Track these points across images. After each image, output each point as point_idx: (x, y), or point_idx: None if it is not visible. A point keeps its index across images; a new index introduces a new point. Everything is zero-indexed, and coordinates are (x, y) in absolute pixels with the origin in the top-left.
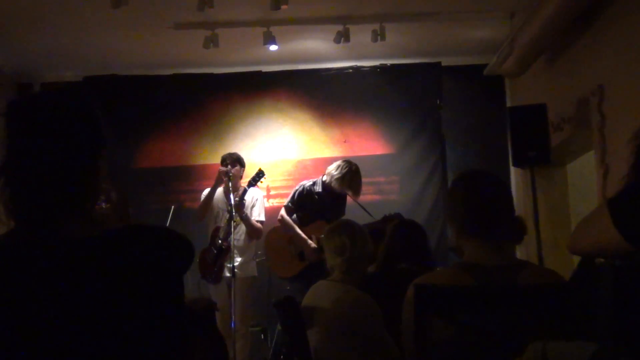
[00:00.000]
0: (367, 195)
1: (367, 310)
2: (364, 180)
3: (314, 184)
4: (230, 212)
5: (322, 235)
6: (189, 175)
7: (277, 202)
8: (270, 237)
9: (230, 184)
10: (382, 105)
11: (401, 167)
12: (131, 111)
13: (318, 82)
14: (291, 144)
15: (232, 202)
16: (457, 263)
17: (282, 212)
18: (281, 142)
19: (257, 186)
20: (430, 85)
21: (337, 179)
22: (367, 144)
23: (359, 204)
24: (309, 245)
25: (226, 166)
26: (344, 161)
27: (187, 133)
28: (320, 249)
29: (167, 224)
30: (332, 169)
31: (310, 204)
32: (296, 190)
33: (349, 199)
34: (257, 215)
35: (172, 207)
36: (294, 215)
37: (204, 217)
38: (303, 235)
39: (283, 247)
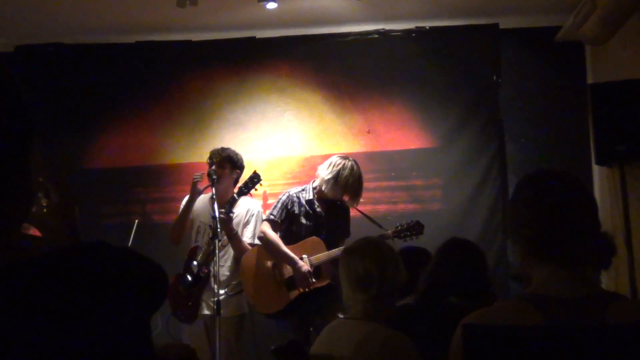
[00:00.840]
0: (400, 205)
1: (401, 354)
2: (393, 184)
3: (303, 190)
4: (214, 228)
5: (321, 256)
6: (159, 179)
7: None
8: (247, 260)
9: (213, 190)
10: (419, 83)
11: (445, 167)
12: (80, 92)
13: (332, 51)
14: (296, 135)
15: (217, 214)
16: (522, 295)
17: (264, 227)
18: (283, 133)
19: (251, 195)
20: (485, 55)
21: (328, 181)
22: (399, 135)
23: (365, 215)
24: (299, 268)
25: (210, 166)
26: (337, 157)
27: (155, 122)
28: (317, 272)
29: (130, 244)
30: (322, 169)
31: (299, 217)
32: (280, 199)
33: (353, 209)
34: (250, 236)
35: (136, 221)
36: (279, 233)
37: (178, 240)
38: (291, 254)
39: (265, 273)
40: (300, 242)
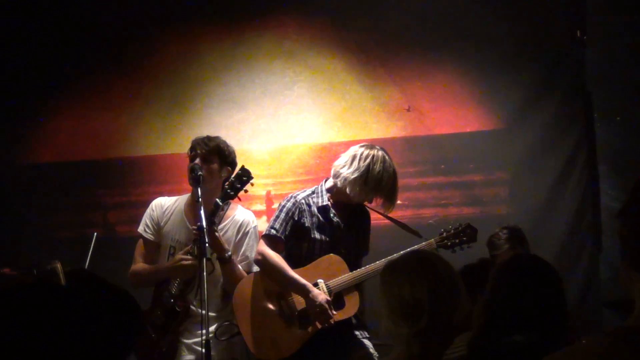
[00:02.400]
0: (451, 208)
1: None
2: (442, 180)
3: (314, 193)
4: (200, 244)
5: (339, 279)
6: (125, 177)
7: None
8: (242, 293)
9: (199, 191)
10: (476, 43)
11: (513, 156)
12: (17, 60)
13: (356, 0)
14: (310, 116)
15: (204, 223)
16: (620, 329)
17: (262, 246)
18: (292, 114)
19: (240, 198)
20: (565, 4)
21: (355, 182)
22: (449, 113)
23: (393, 220)
24: (314, 298)
25: (192, 159)
26: (361, 147)
27: (120, 100)
28: (338, 302)
29: (86, 264)
30: (342, 165)
31: (310, 230)
32: (284, 207)
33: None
34: (245, 261)
35: (95, 234)
36: (283, 252)
37: (143, 286)
38: (302, 280)
39: (268, 308)
40: (314, 263)
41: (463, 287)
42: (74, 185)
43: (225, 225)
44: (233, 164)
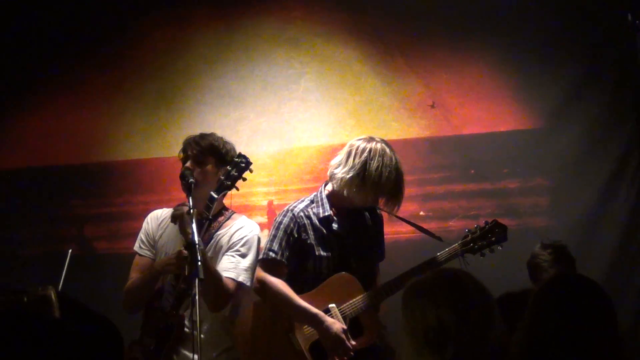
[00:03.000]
0: (483, 220)
1: None
2: (473, 187)
3: (313, 203)
4: (192, 259)
5: (359, 301)
6: (104, 185)
7: None
8: (244, 325)
9: (190, 201)
10: (511, 30)
11: (555, 159)
12: None
13: None
14: (319, 113)
15: (196, 238)
16: None
17: (260, 273)
18: (298, 111)
19: (238, 188)
20: None
21: (351, 182)
22: (480, 110)
23: (409, 222)
24: (328, 328)
25: (183, 163)
26: (357, 140)
27: (99, 96)
28: (356, 328)
29: (60, 286)
30: (337, 164)
31: (314, 247)
32: (280, 223)
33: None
34: (246, 276)
35: (69, 250)
36: (285, 277)
37: (138, 307)
38: (311, 309)
39: (273, 343)
40: (322, 286)
41: (498, 313)
42: (44, 195)
43: (221, 232)
44: (228, 161)
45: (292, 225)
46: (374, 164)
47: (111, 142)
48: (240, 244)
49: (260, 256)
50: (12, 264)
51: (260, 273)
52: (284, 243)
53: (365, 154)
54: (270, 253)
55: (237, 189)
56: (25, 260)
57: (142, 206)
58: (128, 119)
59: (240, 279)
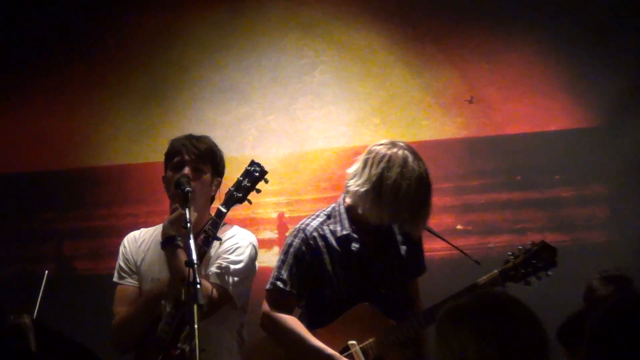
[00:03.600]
0: (531, 234)
1: None
2: (518, 196)
3: (329, 218)
4: (191, 283)
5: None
6: (86, 195)
7: None
8: None
9: (187, 213)
10: (563, 14)
11: (615, 164)
12: None
13: None
14: (337, 110)
15: (193, 254)
16: None
17: (267, 307)
18: (312, 109)
19: (250, 202)
20: None
21: (365, 196)
22: (526, 105)
23: (442, 239)
24: None
25: (178, 169)
26: (378, 145)
27: (80, 92)
28: None
29: (35, 314)
30: (352, 174)
31: (330, 273)
32: (289, 245)
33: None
34: (220, 274)
35: (46, 272)
36: (294, 309)
37: (131, 346)
38: (326, 350)
39: None
40: (340, 320)
41: (549, 343)
42: (15, 207)
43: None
44: (222, 174)
45: (303, 248)
46: (392, 176)
47: (93, 144)
48: (230, 251)
49: (267, 286)
50: None
51: (266, 307)
52: (294, 270)
53: (382, 164)
54: (278, 283)
55: (250, 202)
56: None
57: (130, 219)
58: (112, 118)
59: (229, 288)
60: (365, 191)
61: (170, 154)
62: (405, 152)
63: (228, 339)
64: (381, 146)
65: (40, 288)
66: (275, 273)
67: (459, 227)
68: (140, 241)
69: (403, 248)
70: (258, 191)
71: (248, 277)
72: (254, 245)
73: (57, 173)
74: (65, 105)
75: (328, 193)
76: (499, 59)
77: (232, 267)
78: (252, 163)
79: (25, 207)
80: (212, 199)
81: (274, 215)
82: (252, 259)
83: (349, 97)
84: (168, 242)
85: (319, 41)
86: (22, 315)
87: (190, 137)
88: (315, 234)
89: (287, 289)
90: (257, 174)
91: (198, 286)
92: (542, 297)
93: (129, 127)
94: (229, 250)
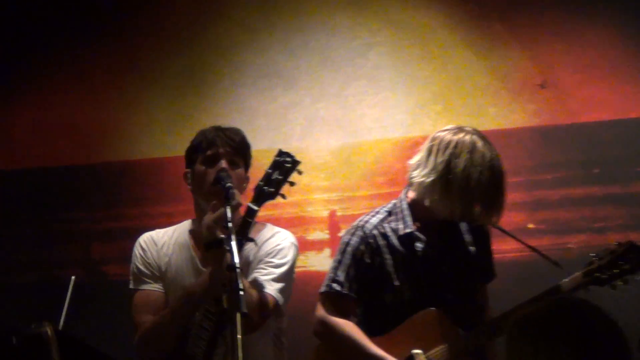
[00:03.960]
0: (611, 233)
1: None
2: (597, 191)
3: (391, 215)
4: (233, 294)
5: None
6: (117, 192)
7: None
8: None
9: (228, 211)
10: None
11: None
12: None
13: None
14: (394, 97)
15: (235, 258)
16: None
17: (321, 311)
18: (366, 95)
19: (284, 197)
20: None
21: (432, 187)
22: (604, 90)
23: (516, 238)
24: None
25: (213, 163)
26: (442, 132)
27: (102, 80)
28: None
29: (60, 324)
30: (416, 164)
31: (391, 275)
32: (346, 244)
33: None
34: (276, 288)
35: (72, 277)
36: (356, 318)
37: (163, 350)
38: (389, 359)
39: None
40: (403, 327)
41: (631, 354)
42: (39, 206)
43: (247, 248)
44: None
45: (362, 247)
46: (460, 163)
47: (124, 136)
48: (273, 254)
49: (322, 289)
50: (2, 294)
51: (321, 311)
52: (352, 271)
53: (449, 150)
54: (335, 285)
55: (284, 197)
56: (18, 289)
57: (165, 219)
58: (145, 106)
59: (277, 296)
60: (432, 182)
61: (202, 146)
62: (473, 136)
63: (262, 345)
64: (446, 132)
65: (66, 295)
66: (331, 274)
67: (530, 225)
68: (160, 243)
69: (472, 249)
70: (292, 184)
71: (292, 281)
72: (295, 246)
73: (84, 168)
74: (92, 93)
75: (385, 189)
76: (574, 39)
77: (277, 271)
78: (281, 153)
79: (50, 207)
80: (242, 189)
81: (325, 213)
82: (295, 261)
83: (407, 82)
84: (216, 244)
85: (373, 20)
86: (44, 324)
87: (221, 128)
88: (375, 232)
89: (345, 292)
90: (289, 165)
91: (241, 293)
92: (624, 304)
93: (163, 117)
94: (271, 253)
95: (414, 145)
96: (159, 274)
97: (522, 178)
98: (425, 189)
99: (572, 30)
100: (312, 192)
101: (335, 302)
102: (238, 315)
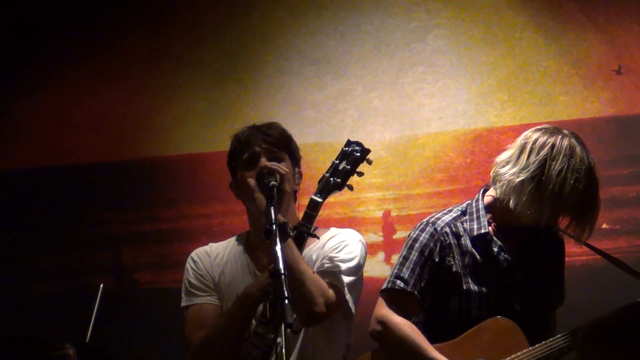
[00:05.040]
0: None
1: None
2: None
3: (464, 215)
4: (276, 302)
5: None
6: (148, 191)
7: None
8: None
9: (272, 212)
10: None
11: None
12: None
13: None
14: (455, 85)
15: (280, 262)
16: None
17: (382, 309)
18: (424, 83)
19: (351, 189)
20: None
21: (521, 187)
22: None
23: (601, 253)
24: None
25: (252, 166)
26: (537, 131)
27: (134, 69)
28: None
29: (88, 337)
30: (504, 162)
31: (461, 278)
32: (414, 240)
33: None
34: (332, 272)
35: (101, 285)
36: (417, 318)
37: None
38: None
39: None
40: (470, 334)
41: None
42: (63, 207)
43: (306, 252)
44: (300, 163)
45: (432, 244)
46: (557, 166)
47: (157, 130)
48: (339, 249)
49: (384, 285)
50: (25, 305)
51: (382, 309)
52: (418, 269)
53: (545, 151)
54: (398, 282)
55: (351, 189)
56: (42, 299)
57: (203, 221)
58: (181, 97)
59: (344, 290)
60: (522, 182)
61: (237, 151)
62: (572, 140)
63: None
64: (542, 131)
65: (94, 305)
66: (395, 271)
67: (604, 225)
68: (214, 255)
69: (547, 263)
70: (360, 174)
71: (360, 281)
72: (364, 244)
73: (113, 165)
74: (123, 83)
75: (444, 186)
76: None
77: (344, 265)
78: (349, 142)
79: (75, 208)
80: (295, 196)
81: (379, 214)
82: (364, 258)
83: (470, 69)
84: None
85: (432, 0)
86: (65, 346)
87: (256, 126)
88: (447, 229)
89: (409, 289)
90: (358, 154)
91: (286, 301)
92: None
93: (200, 108)
94: (336, 249)
95: (477, 138)
96: (212, 285)
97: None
98: (513, 189)
99: None
100: (365, 191)
101: (398, 300)
102: (283, 326)
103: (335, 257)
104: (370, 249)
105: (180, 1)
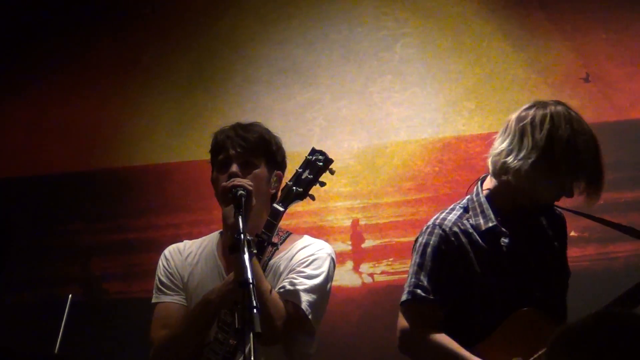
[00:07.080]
0: None
1: None
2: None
3: (467, 212)
4: (244, 311)
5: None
6: (117, 200)
7: (383, 277)
8: None
9: (240, 220)
10: None
11: None
12: None
13: None
14: (423, 94)
15: (248, 272)
16: None
17: (405, 322)
18: (392, 92)
19: (313, 199)
20: None
21: (537, 167)
22: None
23: (609, 224)
24: None
25: (224, 168)
26: (526, 110)
27: (104, 78)
28: None
29: (56, 347)
30: (505, 151)
31: (476, 273)
32: (424, 245)
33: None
34: (293, 291)
35: (69, 296)
36: (439, 322)
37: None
38: None
39: None
40: (499, 332)
41: None
42: (33, 217)
43: (277, 259)
44: (284, 165)
45: (443, 246)
46: (563, 133)
47: (125, 140)
48: (306, 264)
49: (404, 297)
50: None
51: (405, 323)
52: (436, 275)
53: (547, 124)
54: (419, 291)
55: (313, 199)
56: (10, 310)
57: (171, 230)
58: (150, 107)
59: (306, 308)
60: (533, 162)
61: (214, 150)
62: (562, 106)
63: None
64: (530, 109)
65: (63, 315)
66: (413, 280)
67: (572, 233)
68: (186, 253)
69: (555, 244)
70: (322, 184)
71: (325, 297)
72: (332, 259)
73: (81, 175)
74: (91, 92)
75: (413, 195)
76: (621, 29)
77: (309, 282)
78: (314, 151)
79: (44, 218)
80: (274, 198)
81: (347, 223)
82: (331, 274)
83: (438, 77)
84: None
85: (400, 9)
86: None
87: (236, 127)
88: (455, 229)
89: (431, 298)
90: (321, 164)
91: (255, 311)
92: None
93: (169, 118)
94: (303, 263)
95: (445, 146)
96: (181, 285)
97: None
98: (526, 174)
99: (619, 20)
100: (333, 200)
101: (422, 310)
102: (252, 335)
103: (302, 272)
104: (339, 258)
105: (149, 11)
